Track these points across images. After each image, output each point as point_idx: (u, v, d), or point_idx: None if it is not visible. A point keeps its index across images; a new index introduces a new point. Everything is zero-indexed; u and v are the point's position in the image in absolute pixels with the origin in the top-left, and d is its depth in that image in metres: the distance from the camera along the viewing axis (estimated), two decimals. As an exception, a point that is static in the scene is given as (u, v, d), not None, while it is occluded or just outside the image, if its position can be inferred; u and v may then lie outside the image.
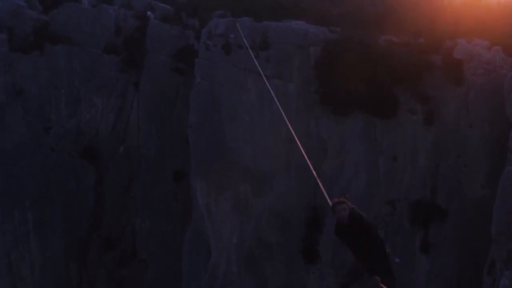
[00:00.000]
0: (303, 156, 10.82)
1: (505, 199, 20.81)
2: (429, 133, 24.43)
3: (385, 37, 25.92)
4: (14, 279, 32.79)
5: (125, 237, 33.20)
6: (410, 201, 24.40)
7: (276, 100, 14.41)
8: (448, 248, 23.57)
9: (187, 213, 30.93)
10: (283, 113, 11.37)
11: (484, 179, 23.15)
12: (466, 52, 23.64)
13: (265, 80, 16.21)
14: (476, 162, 23.34)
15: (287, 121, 9.55)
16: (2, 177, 32.51)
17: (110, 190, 33.16)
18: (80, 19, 33.49)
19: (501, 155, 22.13)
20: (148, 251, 32.78)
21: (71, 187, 32.71)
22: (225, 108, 28.38)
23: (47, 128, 33.03)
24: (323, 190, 9.66)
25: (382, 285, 8.37)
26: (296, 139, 10.24)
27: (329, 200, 9.20)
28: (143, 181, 32.62)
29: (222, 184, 28.25)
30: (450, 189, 23.84)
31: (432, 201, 24.10)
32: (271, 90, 14.51)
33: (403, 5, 28.27)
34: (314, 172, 9.96)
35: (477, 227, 22.88)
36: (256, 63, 22.20)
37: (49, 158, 32.74)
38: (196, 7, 34.22)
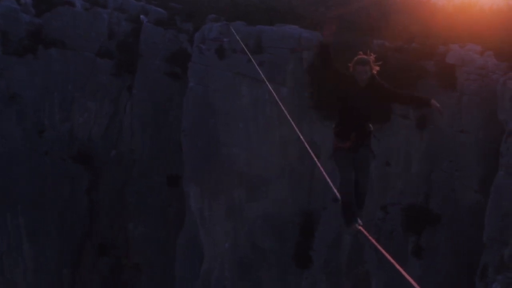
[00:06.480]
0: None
1: (497, 204, 20.71)
2: (422, 138, 24.36)
3: (378, 42, 25.85)
4: (7, 284, 32.64)
5: (119, 242, 33.06)
6: (403, 206, 24.31)
7: (279, 101, 14.29)
8: (441, 253, 23.47)
9: (181, 218, 30.81)
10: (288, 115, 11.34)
11: (477, 184, 23.06)
12: (458, 57, 23.55)
13: (267, 83, 16.19)
14: (469, 167, 23.24)
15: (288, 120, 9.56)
16: (-4, 181, 32.41)
17: (104, 195, 33.03)
18: (74, 23, 33.45)
19: (494, 160, 22.06)
20: (141, 256, 32.66)
21: (64, 192, 32.59)
22: (219, 113, 28.28)
23: (40, 132, 32.88)
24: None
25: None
26: (302, 137, 10.28)
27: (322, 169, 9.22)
28: (137, 186, 32.49)
29: (215, 189, 28.16)
30: (443, 194, 23.74)
31: (425, 206, 24.01)
32: (272, 91, 14.39)
33: (396, 10, 28.27)
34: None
35: (470, 232, 22.79)
36: (256, 66, 22.02)
37: (42, 162, 32.61)
38: (190, 12, 34.15)
